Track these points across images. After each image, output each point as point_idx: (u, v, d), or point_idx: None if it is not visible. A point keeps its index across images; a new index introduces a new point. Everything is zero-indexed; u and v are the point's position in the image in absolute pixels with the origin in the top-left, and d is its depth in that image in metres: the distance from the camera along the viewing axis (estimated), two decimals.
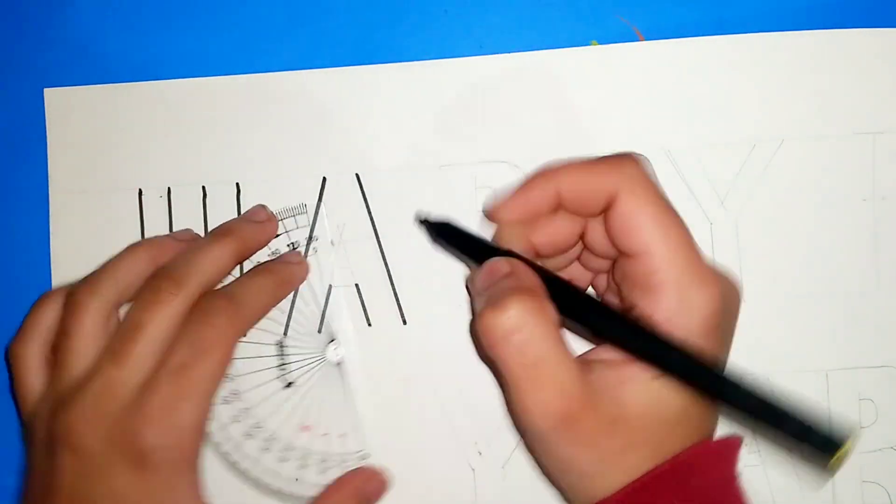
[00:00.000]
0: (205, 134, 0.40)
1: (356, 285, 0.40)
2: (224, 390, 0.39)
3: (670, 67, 0.39)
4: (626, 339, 0.31)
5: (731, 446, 0.32)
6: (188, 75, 0.41)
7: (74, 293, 0.35)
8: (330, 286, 0.40)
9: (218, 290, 0.36)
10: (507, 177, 0.40)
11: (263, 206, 0.40)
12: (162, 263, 0.36)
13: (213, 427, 0.39)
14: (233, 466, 0.39)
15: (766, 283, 0.39)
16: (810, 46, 0.39)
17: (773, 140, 0.39)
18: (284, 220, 0.40)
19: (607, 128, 0.40)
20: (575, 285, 0.33)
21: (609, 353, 0.32)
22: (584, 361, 0.32)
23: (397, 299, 0.40)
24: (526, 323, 0.30)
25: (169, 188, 0.40)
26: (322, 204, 0.40)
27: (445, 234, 0.37)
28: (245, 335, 0.38)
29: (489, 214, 0.34)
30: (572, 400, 0.30)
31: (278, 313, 0.39)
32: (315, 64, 0.40)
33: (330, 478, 0.38)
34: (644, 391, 0.31)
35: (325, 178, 0.40)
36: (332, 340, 0.39)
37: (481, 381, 0.39)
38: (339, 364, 0.39)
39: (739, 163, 0.39)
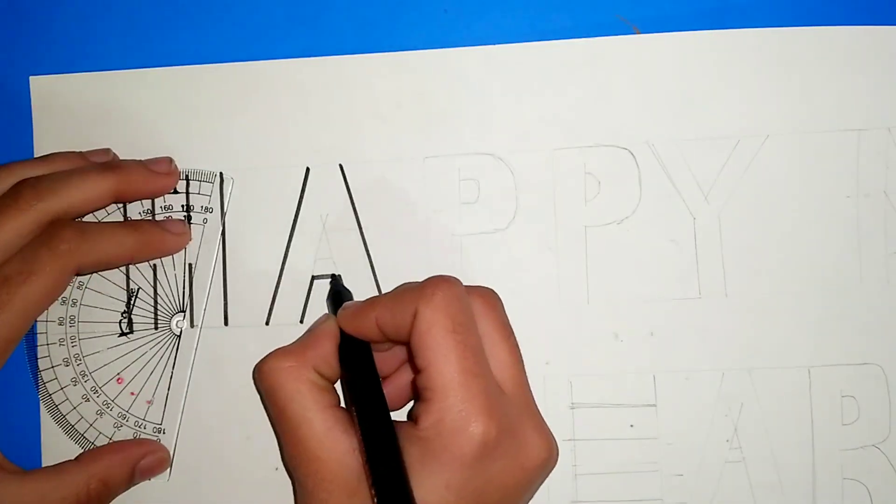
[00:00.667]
0: (189, 123, 0.40)
1: (338, 275, 0.40)
2: (63, 332, 0.39)
3: (656, 62, 0.39)
4: (362, 428, 0.32)
5: None
6: (174, 63, 0.41)
7: (20, 187, 0.36)
8: (312, 277, 0.40)
9: (74, 221, 0.36)
10: (491, 169, 0.40)
11: (170, 159, 0.39)
12: (121, 196, 0.38)
13: (43, 365, 0.39)
14: (54, 409, 0.40)
15: (748, 278, 0.39)
16: (796, 43, 0.39)
17: (758, 136, 0.39)
18: (189, 181, 0.40)
19: (592, 121, 0.40)
20: (370, 384, 0.34)
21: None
22: (344, 423, 0.33)
23: (380, 291, 0.40)
24: (277, 376, 0.34)
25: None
26: (232, 180, 0.40)
27: (334, 299, 0.38)
28: (84, 274, 0.38)
29: (332, 319, 0.36)
30: (305, 450, 0.33)
31: (147, 269, 0.40)
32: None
33: (118, 437, 0.39)
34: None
35: (308, 169, 0.40)
36: (181, 311, 0.39)
37: None
38: (178, 336, 0.39)
39: (723, 158, 0.39)
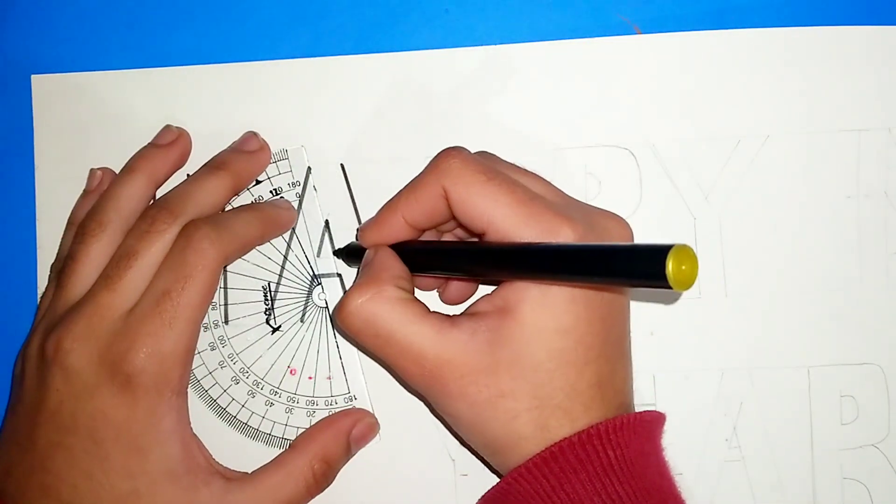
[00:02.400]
0: (189, 122, 0.40)
1: (339, 275, 0.40)
2: (211, 336, 0.39)
3: (656, 62, 0.39)
4: (473, 263, 0.33)
5: (652, 421, 0.33)
6: (175, 64, 0.41)
7: (83, 224, 0.37)
8: (313, 276, 0.40)
9: (202, 218, 0.36)
10: None
11: (255, 134, 0.40)
12: (158, 180, 0.39)
13: (201, 373, 0.39)
14: (222, 411, 0.39)
15: (749, 278, 0.39)
16: (797, 43, 0.39)
17: (758, 136, 0.39)
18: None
19: (593, 121, 0.40)
20: (433, 243, 0.35)
21: (482, 305, 0.33)
22: (449, 319, 0.33)
23: None
24: (365, 309, 0.33)
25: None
26: (303, 148, 0.40)
27: (350, 253, 0.39)
28: (229, 263, 0.38)
29: (358, 236, 0.37)
30: (427, 360, 0.32)
31: (271, 262, 0.40)
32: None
33: (317, 420, 0.39)
34: (511, 336, 0.32)
35: (309, 168, 0.40)
36: (318, 284, 0.40)
37: None
38: (325, 307, 0.40)
39: (724, 158, 0.39)
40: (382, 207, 0.35)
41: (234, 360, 0.39)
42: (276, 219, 0.39)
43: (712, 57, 0.39)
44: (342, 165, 0.40)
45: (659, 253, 0.25)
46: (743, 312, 0.39)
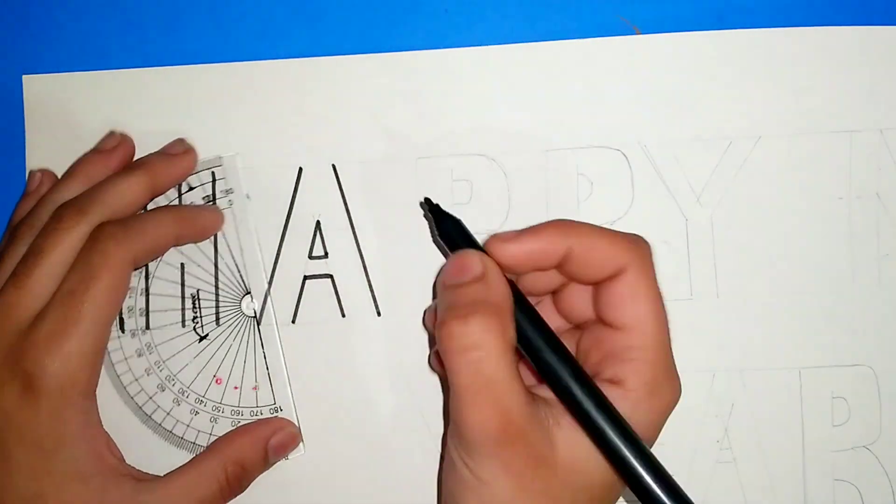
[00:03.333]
0: (181, 122, 0.40)
1: (331, 276, 0.40)
2: (138, 342, 0.39)
3: (647, 63, 0.39)
4: (568, 393, 0.31)
5: None
6: (166, 63, 0.41)
7: (17, 227, 0.37)
8: (304, 277, 0.40)
9: (113, 219, 0.36)
10: (484, 169, 0.40)
11: (181, 140, 0.40)
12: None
13: (127, 379, 0.39)
14: (147, 419, 0.39)
15: (740, 279, 0.39)
16: (788, 43, 0.39)
17: (750, 137, 0.39)
18: (200, 174, 0.40)
19: (584, 122, 0.40)
20: (539, 315, 0.32)
21: (551, 393, 0.32)
22: (529, 391, 0.32)
23: (372, 291, 0.40)
24: (485, 342, 0.30)
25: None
26: (237, 155, 0.40)
27: (445, 225, 0.35)
28: (140, 264, 0.38)
29: (488, 246, 0.33)
30: (511, 424, 0.30)
31: (200, 270, 0.40)
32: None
33: None
34: (576, 443, 0.31)
35: (301, 169, 0.40)
36: (248, 293, 0.39)
37: None
38: (254, 317, 0.39)
39: (716, 159, 0.39)
40: (548, 227, 0.32)
41: (161, 368, 0.39)
42: (193, 220, 0.39)
43: (704, 58, 0.39)
44: (334, 166, 0.40)
45: None
46: (735, 314, 0.39)
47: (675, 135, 0.39)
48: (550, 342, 0.32)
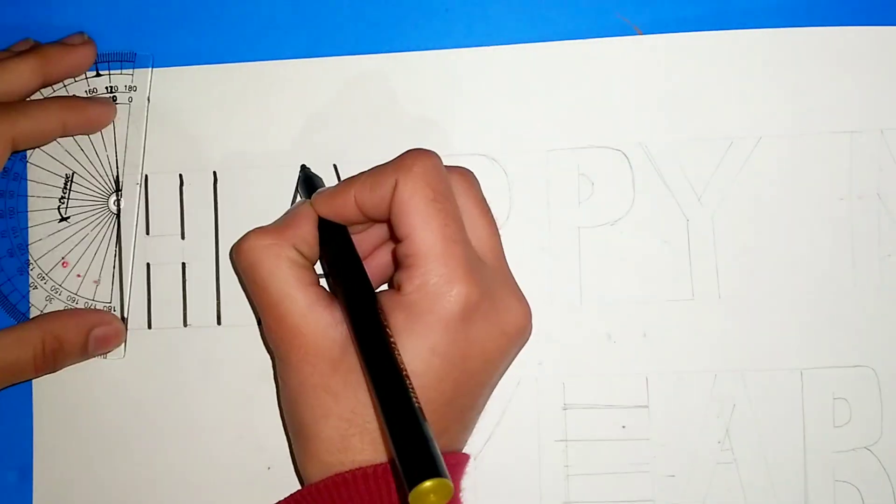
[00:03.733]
0: (183, 122, 0.40)
1: (306, 165, 0.40)
2: (4, 224, 0.40)
3: (648, 63, 0.39)
4: (346, 299, 0.33)
5: (454, 464, 0.34)
6: (167, 64, 0.41)
7: None
8: None
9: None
10: (486, 169, 0.40)
11: (82, 33, 0.40)
12: (49, 74, 0.39)
13: None
14: None
15: (741, 280, 0.39)
16: (789, 44, 0.39)
17: (751, 137, 0.39)
18: (110, 63, 0.40)
19: (585, 122, 0.40)
20: (351, 260, 0.35)
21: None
22: (329, 301, 0.34)
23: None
24: (256, 254, 0.34)
25: (146, 176, 0.40)
26: (152, 58, 0.40)
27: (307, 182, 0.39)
28: (21, 148, 0.39)
29: (312, 199, 0.36)
30: (285, 324, 0.33)
31: (81, 154, 0.40)
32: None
33: None
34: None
35: (302, 168, 0.40)
36: (118, 191, 0.40)
37: None
38: (117, 214, 0.40)
39: (717, 159, 0.39)
40: (342, 182, 0.36)
41: (16, 235, 0.40)
42: (82, 110, 0.39)
43: (704, 58, 0.39)
44: (335, 166, 0.40)
45: (419, 473, 0.27)
46: (736, 314, 0.39)
47: (676, 135, 0.39)
48: (343, 266, 0.34)
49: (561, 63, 0.40)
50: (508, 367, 0.36)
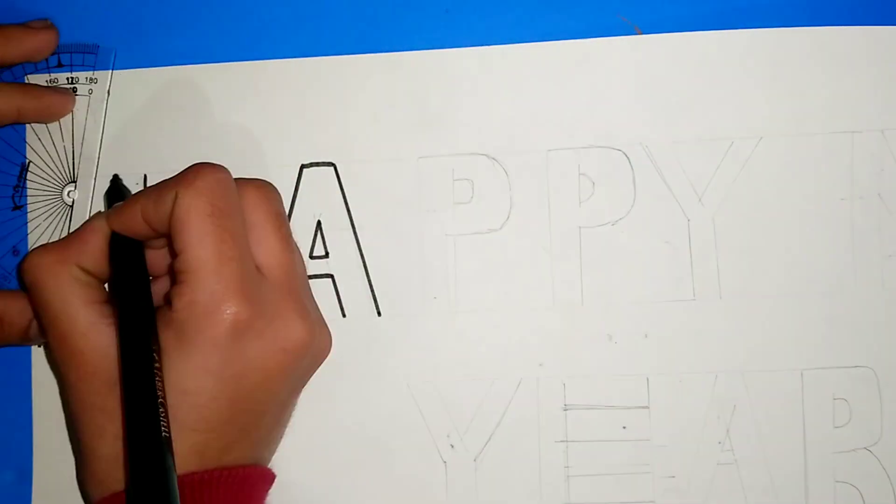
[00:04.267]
0: (183, 122, 0.40)
1: (331, 276, 0.40)
2: None
3: (648, 63, 0.39)
4: (119, 318, 0.33)
5: (240, 479, 0.33)
6: (169, 63, 0.41)
7: None
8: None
9: None
10: (486, 169, 0.39)
11: (45, 19, 0.40)
12: (3, 57, 0.38)
13: None
14: None
15: (742, 280, 0.39)
16: (789, 44, 0.39)
17: (752, 137, 0.39)
18: (72, 55, 0.40)
19: (586, 122, 0.39)
20: (134, 276, 0.34)
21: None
22: (112, 318, 0.33)
23: (372, 291, 0.39)
24: (38, 273, 0.33)
25: (145, 175, 0.40)
26: (114, 51, 0.40)
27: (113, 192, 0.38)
28: None
29: (101, 216, 0.35)
30: (66, 343, 0.33)
31: (38, 143, 0.40)
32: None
33: None
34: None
35: (302, 167, 0.40)
36: (73, 182, 0.40)
37: (455, 374, 0.39)
38: (71, 205, 0.40)
39: (718, 160, 0.39)
40: (132, 195, 0.35)
41: None
42: (38, 97, 0.39)
43: (705, 58, 0.39)
44: (335, 165, 0.40)
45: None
46: (737, 315, 0.39)
47: (676, 135, 0.39)
48: (124, 283, 0.34)
49: (561, 63, 0.40)
50: (302, 381, 0.36)
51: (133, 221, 0.34)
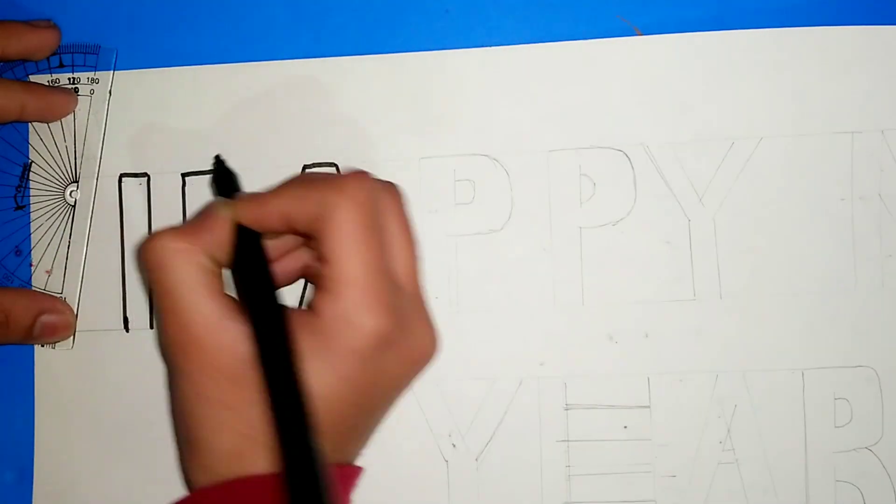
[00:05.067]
0: (186, 122, 0.40)
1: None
2: None
3: (649, 64, 0.40)
4: (254, 317, 0.32)
5: (345, 476, 0.34)
6: (172, 64, 0.41)
7: None
8: None
9: None
10: (487, 170, 0.40)
11: (49, 20, 0.40)
12: (6, 50, 0.38)
13: None
14: None
15: (743, 280, 0.39)
16: (789, 44, 0.39)
17: (752, 138, 0.39)
18: (74, 55, 0.40)
19: (587, 123, 0.40)
20: (263, 273, 0.33)
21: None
22: (239, 313, 0.32)
23: None
24: (166, 255, 0.32)
25: (148, 175, 0.40)
26: (115, 51, 0.40)
27: (221, 182, 0.37)
28: None
29: (231, 207, 0.34)
30: (187, 333, 0.32)
31: (41, 143, 0.40)
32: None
33: None
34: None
35: (304, 168, 0.40)
36: (75, 182, 0.40)
37: (456, 373, 0.39)
38: (73, 205, 0.40)
39: (718, 160, 0.39)
40: (269, 191, 0.34)
41: None
42: (42, 96, 0.39)
43: (705, 58, 0.39)
44: (336, 166, 0.40)
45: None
46: (737, 315, 0.39)
47: (676, 136, 0.39)
48: (254, 280, 0.33)
49: (562, 64, 0.40)
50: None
51: (271, 218, 0.33)
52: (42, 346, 0.40)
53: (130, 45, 0.41)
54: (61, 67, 0.40)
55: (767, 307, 0.39)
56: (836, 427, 0.39)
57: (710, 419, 0.39)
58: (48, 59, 0.40)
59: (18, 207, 0.40)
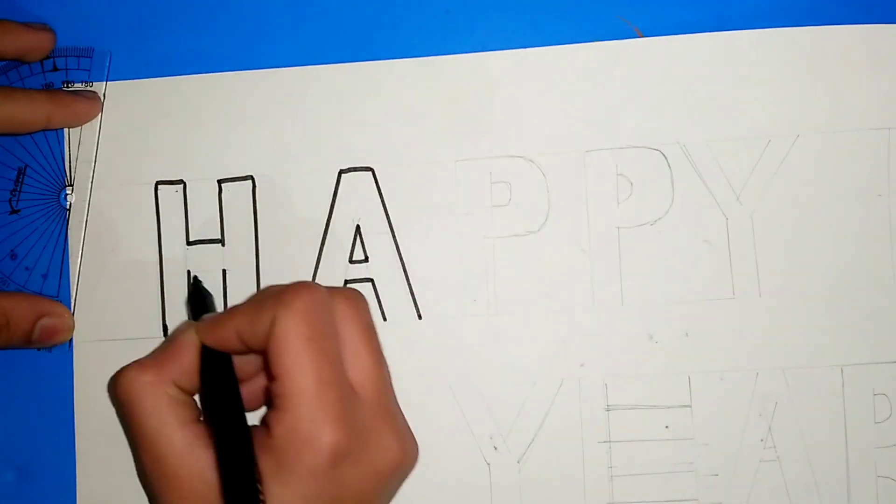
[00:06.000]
0: (220, 129, 0.40)
1: (371, 280, 0.40)
2: None
3: (686, 62, 0.39)
4: (218, 443, 0.32)
5: None
6: (202, 71, 0.41)
7: None
8: (345, 281, 0.40)
9: None
10: (523, 171, 0.40)
11: (45, 24, 0.40)
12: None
13: None
14: None
15: (782, 278, 0.39)
16: (824, 42, 0.39)
17: (788, 135, 0.39)
18: (68, 59, 0.40)
19: (623, 122, 0.40)
20: (228, 397, 0.33)
21: None
22: (208, 438, 0.33)
23: (412, 294, 0.40)
24: (134, 390, 0.33)
25: (184, 182, 0.40)
26: (109, 55, 0.40)
27: (195, 297, 0.38)
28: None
29: (198, 327, 0.35)
30: (161, 463, 0.32)
31: (35, 147, 0.40)
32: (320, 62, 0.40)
33: None
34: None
35: (340, 173, 0.40)
36: (70, 186, 0.40)
37: (497, 376, 0.39)
38: (68, 209, 0.40)
39: (755, 158, 0.39)
40: (226, 311, 0.34)
41: None
42: (69, 105, 0.39)
43: (742, 56, 0.39)
44: (372, 170, 0.40)
45: None
46: (776, 312, 0.39)
47: (713, 134, 0.39)
48: (219, 403, 0.33)
49: (598, 64, 0.40)
50: (391, 496, 0.35)
51: (228, 339, 0.33)
52: (39, 349, 0.40)
53: (151, 52, 0.41)
54: (55, 71, 0.40)
55: (806, 304, 0.39)
56: (875, 423, 0.39)
57: (751, 417, 0.39)
58: (41, 60, 0.40)
59: (13, 212, 0.40)
